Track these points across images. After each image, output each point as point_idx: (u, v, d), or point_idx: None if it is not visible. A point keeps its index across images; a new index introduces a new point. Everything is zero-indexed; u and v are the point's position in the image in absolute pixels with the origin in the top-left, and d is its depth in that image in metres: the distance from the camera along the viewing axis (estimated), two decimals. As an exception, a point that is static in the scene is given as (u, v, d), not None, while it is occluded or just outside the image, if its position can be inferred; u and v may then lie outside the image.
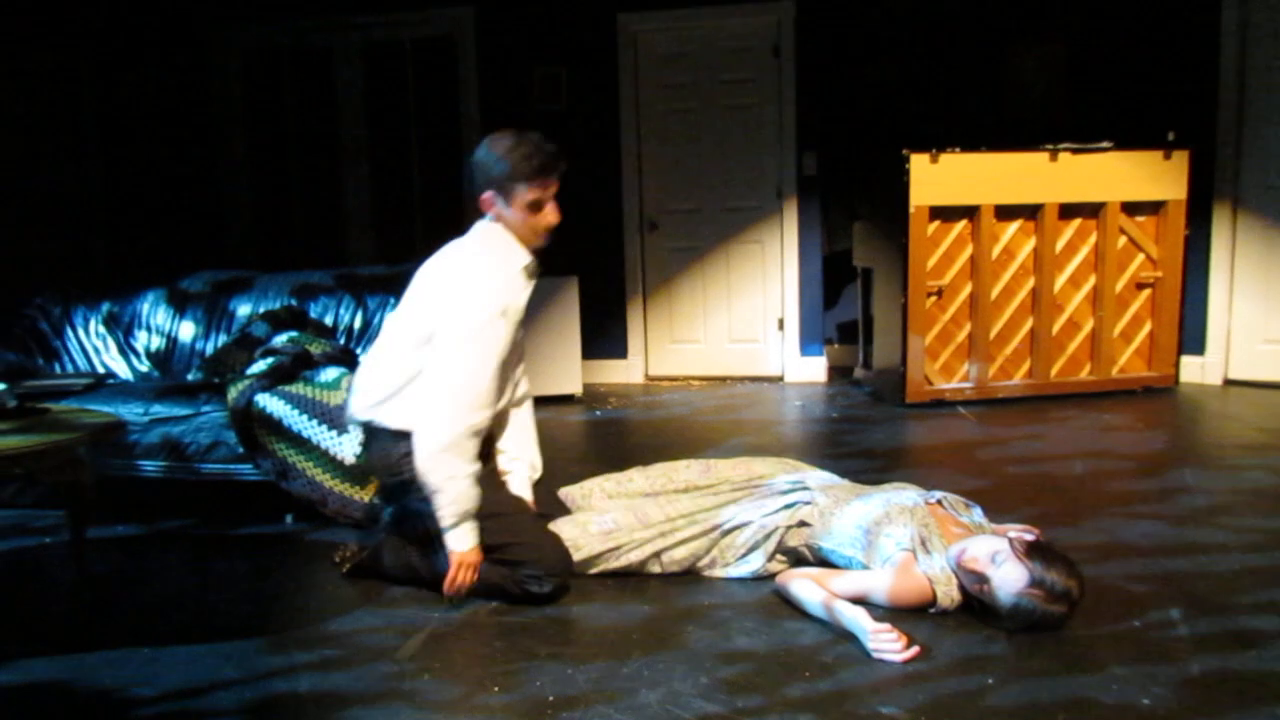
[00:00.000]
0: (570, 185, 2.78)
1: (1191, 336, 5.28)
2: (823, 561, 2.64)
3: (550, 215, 2.57)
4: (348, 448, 3.23)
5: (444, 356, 2.49)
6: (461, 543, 2.51)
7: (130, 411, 3.47)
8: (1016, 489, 3.56)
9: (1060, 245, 5.03)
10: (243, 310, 4.14)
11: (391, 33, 6.01)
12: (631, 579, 2.73)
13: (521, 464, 2.82)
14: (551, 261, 3.23)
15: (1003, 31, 5.68)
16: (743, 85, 5.74)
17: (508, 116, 4.19)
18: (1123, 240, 5.06)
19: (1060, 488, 3.57)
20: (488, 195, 2.57)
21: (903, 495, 2.62)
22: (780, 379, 5.83)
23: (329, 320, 4.04)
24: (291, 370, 3.46)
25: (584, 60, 5.82)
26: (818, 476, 2.83)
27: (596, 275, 5.77)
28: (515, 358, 2.72)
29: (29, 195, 5.53)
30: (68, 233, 5.84)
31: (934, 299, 4.97)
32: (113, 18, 5.98)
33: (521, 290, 2.61)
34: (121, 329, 4.26)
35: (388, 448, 2.62)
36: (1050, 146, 4.95)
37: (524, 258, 2.61)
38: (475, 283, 2.53)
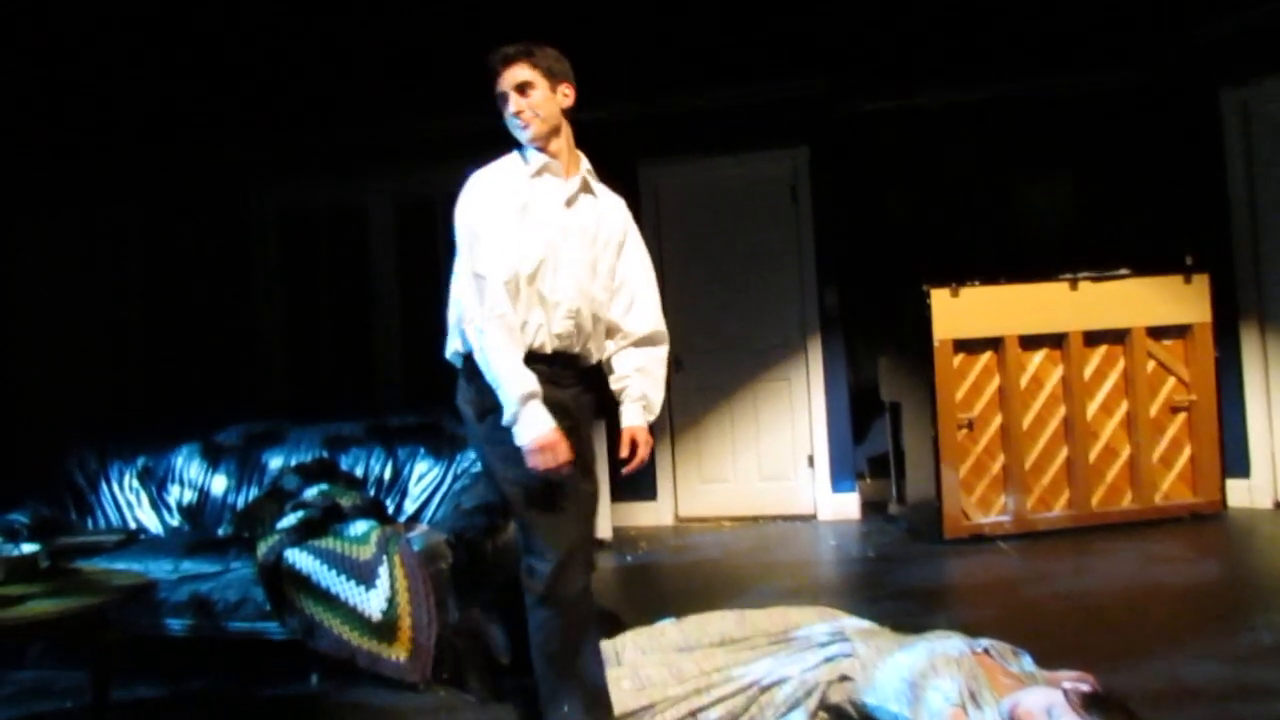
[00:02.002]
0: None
1: (1234, 459, 5.15)
2: (867, 718, 2.52)
3: (510, 104, 2.59)
4: (375, 603, 3.18)
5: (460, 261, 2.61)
6: (530, 430, 2.41)
7: (160, 569, 3.45)
8: (1065, 629, 3.41)
9: (1089, 372, 5.00)
10: (274, 463, 4.17)
11: (422, 189, 6.27)
12: (668, 740, 2.62)
13: (633, 388, 2.73)
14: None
15: (1010, 162, 5.83)
16: (762, 227, 5.89)
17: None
18: (1152, 364, 5.03)
19: (1112, 626, 3.42)
20: None
21: (947, 644, 2.52)
22: (813, 516, 5.73)
23: (360, 471, 4.06)
24: (321, 523, 3.45)
25: (607, 208, 6.00)
26: (856, 624, 2.73)
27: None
28: (577, 266, 2.64)
29: (73, 343, 5.72)
30: (108, 381, 6.00)
31: (965, 431, 4.92)
32: (159, 175, 6.30)
33: (532, 187, 2.61)
34: (155, 483, 4.30)
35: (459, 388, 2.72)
36: (1069, 275, 4.99)
37: (530, 160, 2.63)
38: (468, 189, 2.64)
